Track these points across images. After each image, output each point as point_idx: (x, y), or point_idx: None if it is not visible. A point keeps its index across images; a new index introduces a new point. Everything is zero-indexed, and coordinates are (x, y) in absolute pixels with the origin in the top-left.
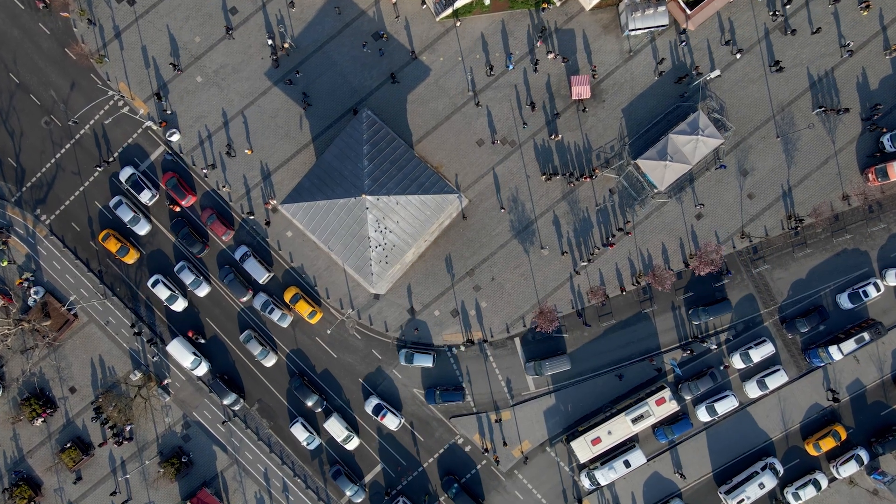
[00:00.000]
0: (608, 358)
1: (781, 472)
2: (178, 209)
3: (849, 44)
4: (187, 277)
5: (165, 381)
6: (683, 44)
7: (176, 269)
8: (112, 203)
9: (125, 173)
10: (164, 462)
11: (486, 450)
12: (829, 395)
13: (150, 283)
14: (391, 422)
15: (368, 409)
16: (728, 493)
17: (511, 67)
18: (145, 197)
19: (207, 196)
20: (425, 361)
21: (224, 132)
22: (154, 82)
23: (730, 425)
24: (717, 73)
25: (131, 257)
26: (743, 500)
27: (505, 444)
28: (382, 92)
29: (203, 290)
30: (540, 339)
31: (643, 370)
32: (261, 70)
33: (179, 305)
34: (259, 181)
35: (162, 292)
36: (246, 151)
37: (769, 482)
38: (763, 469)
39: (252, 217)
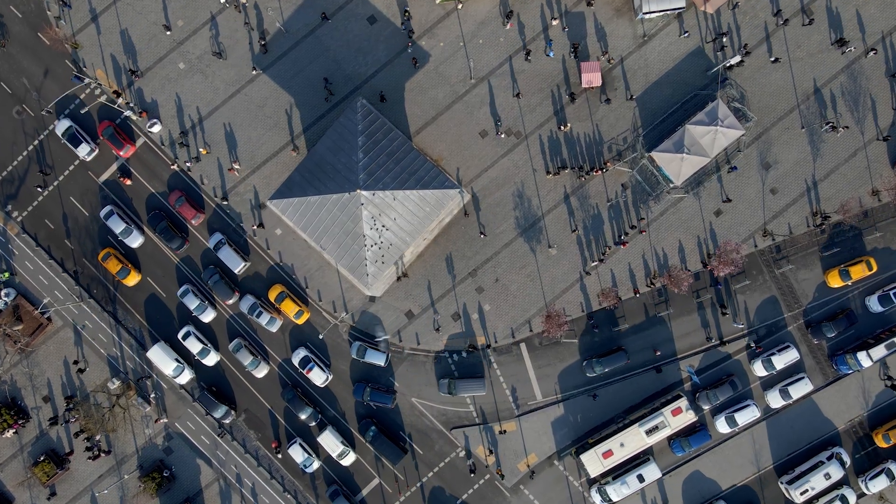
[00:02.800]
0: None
1: (849, 462)
2: (128, 182)
3: (850, 49)
4: (191, 302)
5: (162, 420)
6: (686, 34)
7: (179, 293)
8: (103, 213)
9: (62, 126)
10: (145, 477)
11: (473, 470)
12: (886, 383)
13: (180, 336)
14: (317, 376)
15: (295, 360)
16: (790, 483)
17: (552, 55)
18: (83, 151)
19: (176, 177)
20: (377, 359)
21: (208, 122)
22: (132, 70)
23: (792, 414)
24: (737, 58)
25: (132, 279)
26: (807, 490)
27: (491, 451)
28: (379, 79)
29: (209, 316)
30: (454, 360)
31: (658, 378)
32: (248, 56)
33: (211, 360)
34: (248, 183)
35: (193, 346)
36: (201, 150)
37: (836, 472)
38: (829, 459)
39: (226, 203)
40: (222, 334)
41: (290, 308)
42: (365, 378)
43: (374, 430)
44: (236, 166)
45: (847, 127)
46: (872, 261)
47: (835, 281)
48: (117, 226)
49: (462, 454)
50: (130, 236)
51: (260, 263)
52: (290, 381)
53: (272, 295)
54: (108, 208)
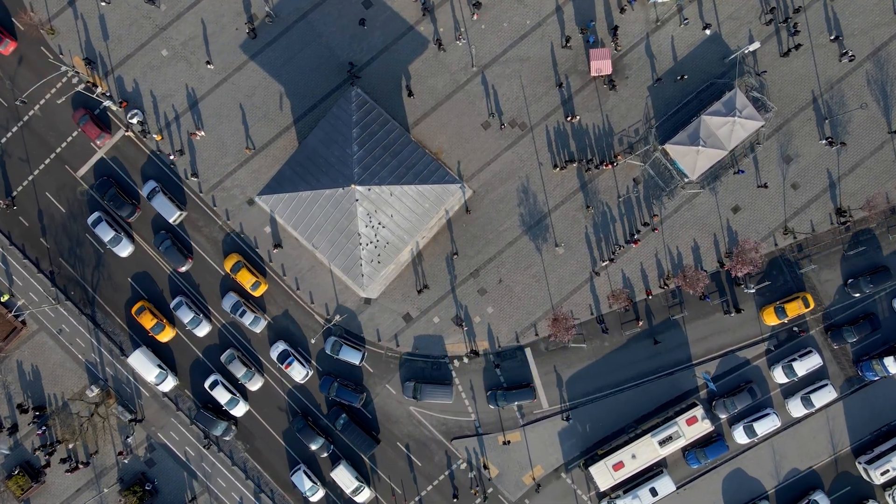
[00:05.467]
0: (631, 371)
1: None
2: (22, 102)
3: (847, 51)
4: (185, 315)
5: (125, 459)
6: (686, 22)
7: (172, 305)
8: (91, 220)
9: None
10: (125, 490)
11: (456, 495)
12: None
13: (207, 385)
14: (297, 372)
15: (273, 355)
16: (869, 462)
17: (592, 40)
18: None
19: (81, 96)
20: (352, 357)
21: (193, 113)
22: (111, 56)
23: (869, 394)
24: (756, 45)
25: (166, 335)
26: (888, 470)
27: (485, 466)
28: (375, 67)
29: (203, 330)
30: (420, 363)
31: (671, 385)
32: (235, 42)
33: (240, 410)
34: (228, 173)
35: (222, 395)
36: (155, 137)
37: None
38: None
39: (196, 179)
40: (214, 345)
41: (246, 278)
42: (334, 372)
43: (344, 417)
44: (200, 133)
45: (844, 143)
46: (810, 297)
47: (770, 319)
48: (105, 234)
49: (464, 466)
50: (119, 245)
51: (187, 204)
52: (300, 408)
53: (228, 265)
54: (96, 215)
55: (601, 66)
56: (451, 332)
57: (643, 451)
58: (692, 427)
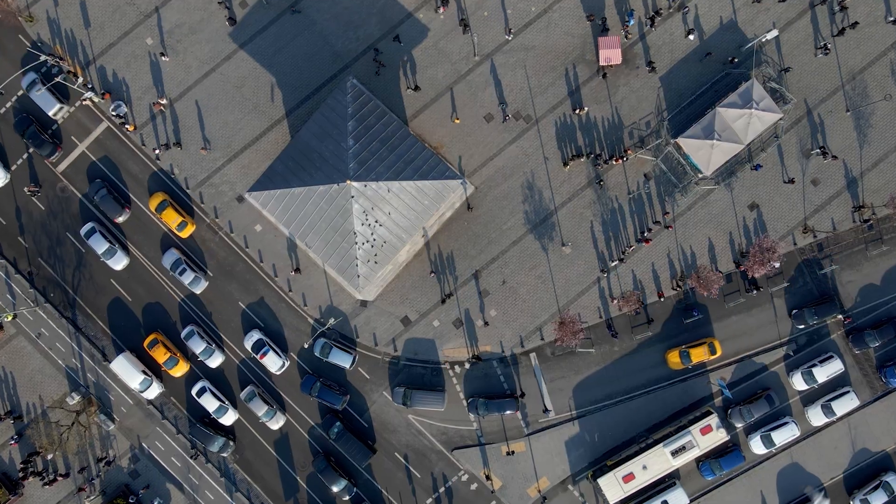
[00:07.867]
0: (642, 377)
1: None
2: None
3: (825, 44)
4: (197, 345)
5: (88, 500)
6: (685, 10)
7: (183, 335)
8: (84, 231)
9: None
10: (108, 503)
11: None
12: None
13: (194, 392)
14: (273, 363)
15: (248, 344)
16: None
17: (631, 23)
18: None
19: None
20: (342, 361)
21: (179, 104)
22: (93, 45)
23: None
24: (774, 33)
25: (180, 370)
26: None
27: (488, 477)
28: (371, 57)
29: (216, 360)
30: (414, 370)
31: (685, 392)
32: (224, 31)
33: (229, 419)
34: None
35: (210, 403)
36: (128, 127)
37: None
38: None
39: (179, 148)
40: (233, 379)
41: (171, 218)
42: (317, 371)
43: (338, 426)
44: (163, 102)
45: (836, 157)
46: (716, 343)
47: (675, 363)
48: (100, 245)
49: (465, 477)
50: (114, 257)
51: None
52: (322, 448)
53: (153, 204)
54: (89, 225)
55: (610, 55)
56: (451, 337)
57: (655, 462)
58: (706, 436)
